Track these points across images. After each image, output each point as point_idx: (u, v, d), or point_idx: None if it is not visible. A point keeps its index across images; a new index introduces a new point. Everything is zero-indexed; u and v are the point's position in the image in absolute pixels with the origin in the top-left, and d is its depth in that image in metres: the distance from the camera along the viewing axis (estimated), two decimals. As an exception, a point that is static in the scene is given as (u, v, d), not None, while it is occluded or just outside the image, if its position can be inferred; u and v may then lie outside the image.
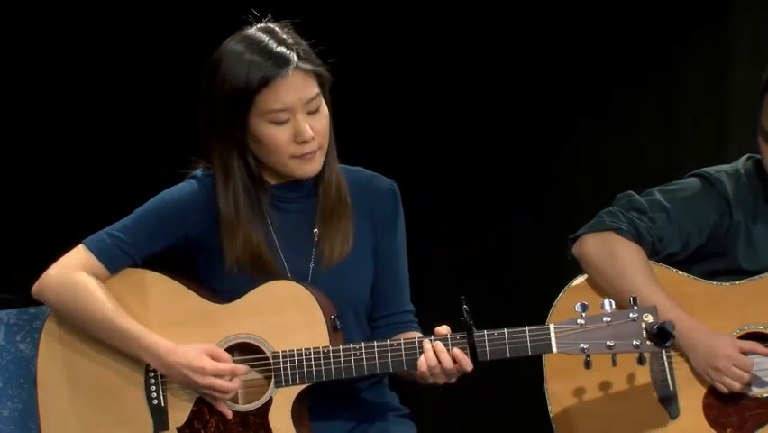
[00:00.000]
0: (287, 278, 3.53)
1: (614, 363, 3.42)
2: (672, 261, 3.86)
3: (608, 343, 3.38)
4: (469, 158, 5.25)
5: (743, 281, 3.78)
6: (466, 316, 3.35)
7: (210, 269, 3.57)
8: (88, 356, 3.56)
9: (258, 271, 3.52)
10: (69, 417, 3.57)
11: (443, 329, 3.41)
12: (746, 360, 3.70)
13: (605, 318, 3.39)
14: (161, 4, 5.07)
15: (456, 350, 3.38)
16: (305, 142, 3.44)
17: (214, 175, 3.54)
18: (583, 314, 3.39)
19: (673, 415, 3.68)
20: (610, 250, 3.80)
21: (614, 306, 3.41)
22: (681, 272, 3.82)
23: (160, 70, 5.12)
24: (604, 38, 5.16)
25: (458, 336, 3.40)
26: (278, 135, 3.44)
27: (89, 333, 3.54)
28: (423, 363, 3.39)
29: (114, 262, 3.55)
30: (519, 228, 5.23)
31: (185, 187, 3.59)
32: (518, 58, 5.19)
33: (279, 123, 3.44)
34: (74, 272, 3.52)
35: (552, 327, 3.40)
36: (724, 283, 3.80)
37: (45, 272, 3.55)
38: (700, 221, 3.85)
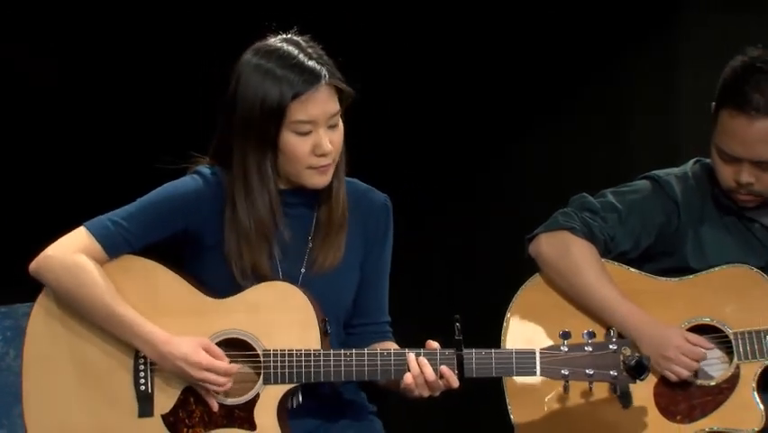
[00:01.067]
0: (278, 279, 3.55)
1: (590, 389, 3.55)
2: (624, 259, 3.90)
3: (587, 371, 3.46)
4: (427, 162, 5.27)
5: (689, 277, 3.86)
6: (457, 333, 3.40)
7: (202, 263, 3.58)
8: (80, 336, 3.56)
9: (249, 272, 3.54)
10: (53, 394, 3.56)
11: (433, 344, 3.46)
12: (696, 349, 3.78)
13: (587, 348, 3.46)
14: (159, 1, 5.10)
15: (444, 367, 3.43)
16: (323, 155, 3.48)
17: (233, 181, 3.54)
18: (566, 342, 3.48)
19: (626, 405, 3.74)
20: (565, 248, 3.85)
21: (595, 336, 3.49)
22: (632, 269, 3.89)
23: (158, 66, 5.11)
24: (560, 45, 5.21)
25: (447, 352, 3.44)
26: (299, 146, 3.47)
27: (85, 315, 3.53)
28: (408, 375, 3.44)
29: (114, 247, 3.53)
30: (478, 229, 5.25)
31: (190, 182, 3.59)
32: (478, 65, 5.23)
33: (302, 133, 3.47)
34: (75, 255, 3.50)
35: (537, 352, 3.47)
36: (672, 279, 3.86)
37: (44, 252, 3.54)
38: (650, 221, 3.90)
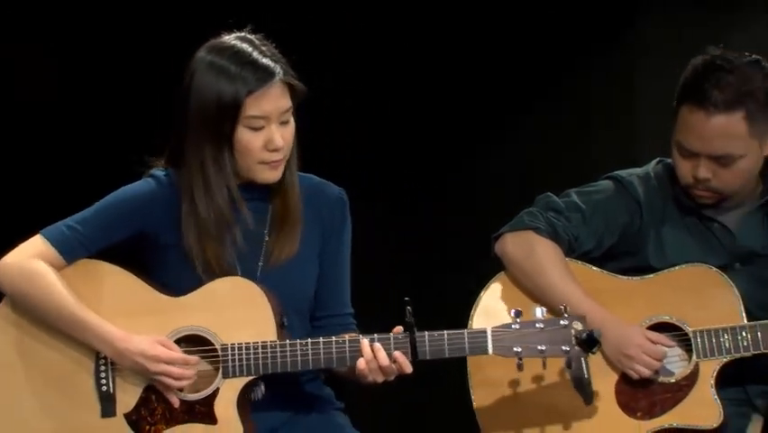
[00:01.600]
0: (236, 275, 3.59)
1: (544, 365, 3.55)
2: (588, 258, 3.94)
3: (539, 347, 3.49)
4: (395, 161, 5.30)
5: (650, 276, 3.89)
6: (409, 316, 3.43)
7: (161, 264, 3.62)
8: (41, 342, 3.59)
9: (211, 267, 3.58)
10: (18, 401, 3.59)
11: (397, 329, 3.49)
12: (656, 348, 3.81)
13: (538, 325, 3.50)
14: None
15: (397, 352, 3.47)
16: (275, 150, 3.53)
17: (189, 176, 3.57)
18: (518, 319, 3.50)
19: (588, 401, 3.74)
20: (529, 248, 3.88)
21: (545, 313, 3.52)
22: (594, 268, 3.92)
23: (112, 69, 5.12)
24: (525, 48, 5.23)
25: (400, 336, 3.48)
26: (252, 141, 3.52)
27: (44, 320, 3.57)
28: (361, 360, 3.48)
29: (70, 252, 3.58)
30: (445, 227, 5.28)
31: (143, 184, 3.64)
32: (447, 66, 5.25)
33: (255, 129, 3.52)
34: (31, 261, 3.55)
35: (489, 330, 3.50)
36: (633, 278, 3.89)
37: (2, 260, 3.58)
38: (613, 221, 3.93)
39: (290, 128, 3.58)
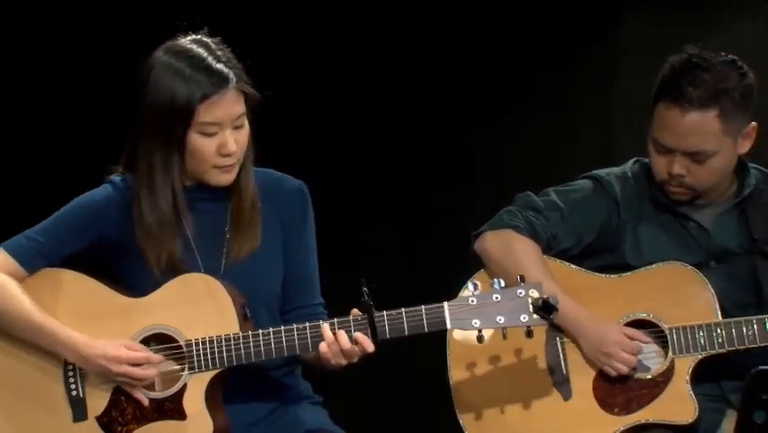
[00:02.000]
0: (193, 272, 3.61)
1: (504, 336, 3.53)
2: (566, 256, 3.98)
3: (497, 319, 3.48)
4: (377, 159, 5.29)
5: (627, 274, 3.93)
6: (366, 296, 3.45)
7: (126, 268, 3.65)
8: (7, 354, 3.63)
9: (174, 268, 3.60)
10: None
11: (354, 312, 3.51)
12: (634, 344, 3.86)
13: (494, 296, 3.49)
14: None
15: (358, 333, 3.48)
16: (228, 155, 3.55)
17: (138, 178, 3.60)
18: (475, 292, 3.49)
19: (566, 397, 3.83)
20: (508, 246, 3.92)
21: (503, 284, 3.51)
22: (572, 266, 3.97)
23: (76, 75, 5.11)
24: (506, 48, 5.23)
25: (359, 317, 3.51)
26: (205, 146, 3.55)
27: (8, 331, 3.61)
28: (323, 344, 3.50)
29: (31, 262, 3.62)
30: (426, 225, 5.27)
31: (100, 191, 3.68)
32: (429, 65, 5.25)
33: (208, 134, 3.54)
34: None
35: (445, 304, 3.50)
36: (611, 276, 3.94)
37: None
38: (591, 220, 3.98)
39: (244, 132, 3.60)
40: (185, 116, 3.52)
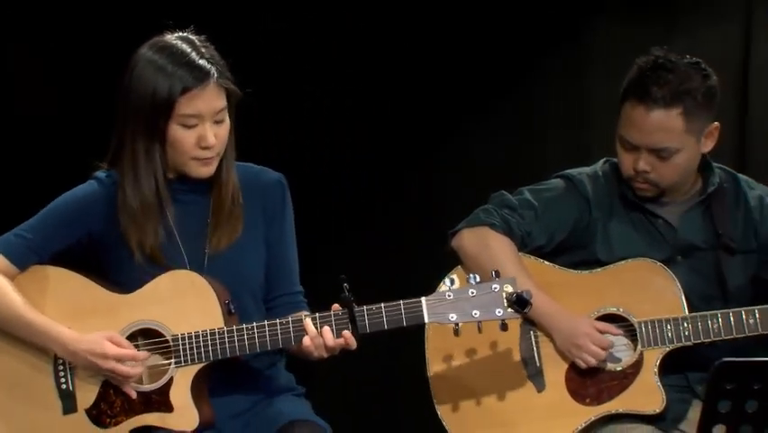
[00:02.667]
0: (184, 264, 3.67)
1: (479, 330, 3.58)
2: (540, 252, 4.04)
3: (473, 313, 3.54)
4: (358, 156, 5.32)
5: (598, 270, 3.99)
6: (346, 292, 3.49)
7: (113, 263, 3.69)
8: (0, 350, 3.67)
9: (158, 259, 3.65)
10: None
11: (334, 307, 3.56)
12: (603, 338, 3.91)
13: (470, 291, 3.54)
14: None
15: (346, 331, 3.54)
16: (207, 147, 3.60)
17: (123, 169, 3.63)
18: (452, 287, 3.56)
19: (540, 388, 3.88)
20: (484, 243, 3.98)
21: (479, 279, 3.56)
22: (546, 262, 4.02)
23: (76, 75, 5.14)
24: (479, 51, 5.28)
25: (340, 312, 3.55)
26: (185, 138, 3.60)
27: (0, 327, 3.64)
28: (306, 338, 3.56)
29: (21, 259, 3.66)
30: (405, 224, 5.32)
31: (86, 187, 3.72)
32: (403, 67, 5.29)
33: (188, 126, 3.59)
34: None
35: (423, 299, 3.55)
36: (583, 272, 4.00)
37: None
38: (564, 217, 4.04)
39: (225, 127, 3.65)
40: (166, 109, 3.57)
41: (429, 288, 3.93)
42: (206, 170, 3.65)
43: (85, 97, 5.13)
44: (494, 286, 3.55)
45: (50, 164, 5.10)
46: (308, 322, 3.57)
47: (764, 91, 5.13)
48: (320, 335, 3.55)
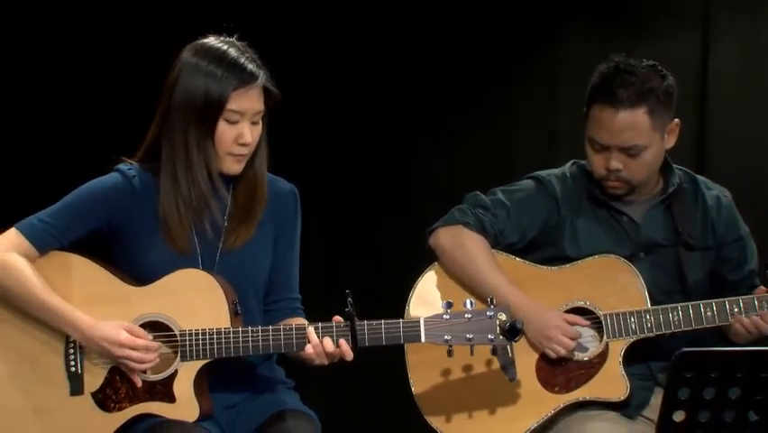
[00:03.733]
0: (197, 259, 3.74)
1: (471, 352, 3.68)
2: (512, 250, 4.13)
3: (467, 336, 3.63)
4: (336, 158, 5.40)
5: (567, 266, 4.08)
6: (350, 307, 3.57)
7: (129, 254, 3.76)
8: (15, 327, 3.72)
9: (172, 252, 3.72)
10: None
11: (337, 318, 3.65)
12: (573, 330, 4.00)
13: (466, 315, 3.63)
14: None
15: (342, 341, 3.62)
16: (243, 144, 3.71)
17: (172, 161, 3.68)
18: (448, 310, 3.63)
19: (512, 378, 3.85)
20: (459, 241, 4.07)
21: (474, 305, 3.64)
22: (518, 259, 4.12)
23: (76, 75, 5.16)
24: (454, 54, 5.36)
25: (342, 324, 3.63)
26: (226, 133, 3.70)
27: (18, 307, 3.70)
28: (309, 346, 3.64)
29: (43, 244, 3.72)
30: (383, 223, 5.41)
31: (109, 178, 3.79)
32: (379, 67, 5.37)
33: (231, 122, 3.69)
34: (6, 254, 3.69)
35: (421, 320, 3.63)
36: (552, 267, 4.09)
37: None
38: (534, 216, 4.13)
39: (258, 129, 3.75)
40: (219, 104, 3.67)
41: (407, 282, 4.13)
42: (238, 167, 3.74)
43: (85, 97, 5.17)
44: (489, 313, 3.64)
45: (50, 162, 5.16)
46: (311, 331, 3.64)
47: (722, 96, 5.27)
48: (321, 344, 3.64)
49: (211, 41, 3.78)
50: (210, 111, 3.69)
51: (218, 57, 3.72)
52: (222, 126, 3.71)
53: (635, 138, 4.01)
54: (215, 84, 3.68)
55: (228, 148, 3.73)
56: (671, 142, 4.11)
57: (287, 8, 5.26)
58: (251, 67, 3.73)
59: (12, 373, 3.73)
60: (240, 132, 3.72)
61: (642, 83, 4.03)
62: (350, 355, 3.63)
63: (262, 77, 3.73)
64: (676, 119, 4.11)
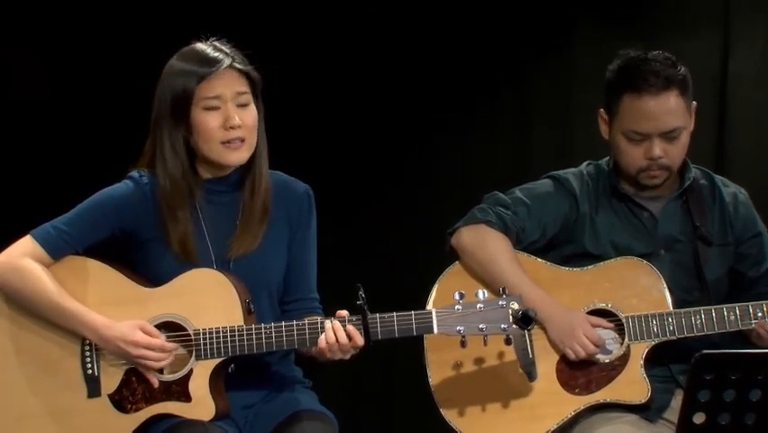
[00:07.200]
0: (211, 262, 3.77)
1: (485, 342, 3.71)
2: (533, 249, 4.14)
3: (480, 326, 3.63)
4: (351, 158, 5.43)
5: (588, 267, 4.08)
6: (362, 300, 3.58)
7: (144, 259, 3.80)
8: (31, 332, 3.77)
9: (188, 256, 3.75)
10: (12, 384, 3.77)
11: (342, 312, 3.68)
12: (596, 334, 4.00)
13: (478, 305, 3.64)
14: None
15: (350, 327, 3.64)
16: (232, 128, 3.69)
17: (157, 161, 3.74)
18: (460, 301, 3.64)
19: (532, 378, 3.93)
20: (482, 240, 4.08)
21: (487, 295, 3.64)
22: (539, 259, 4.12)
23: (76, 75, 5.19)
24: (469, 54, 5.38)
25: (354, 318, 3.65)
26: (209, 120, 3.70)
27: (34, 312, 3.76)
28: (323, 339, 3.65)
29: (56, 250, 3.78)
30: (398, 222, 5.44)
31: (121, 186, 3.84)
32: (397, 68, 5.40)
33: (211, 108, 3.69)
34: (21, 259, 3.75)
35: (433, 311, 3.64)
36: (574, 269, 4.10)
37: None
38: (555, 213, 4.15)
39: (250, 112, 3.73)
40: (185, 98, 3.69)
41: (427, 282, 4.11)
42: (237, 156, 3.73)
43: (84, 97, 5.19)
44: (501, 302, 3.65)
45: (50, 162, 5.19)
46: (327, 324, 3.66)
47: (741, 99, 5.30)
48: (335, 336, 3.65)
49: (187, 47, 3.82)
50: (178, 104, 3.71)
51: (186, 55, 3.77)
52: (202, 115, 3.71)
53: (675, 121, 4.04)
54: (181, 78, 3.71)
55: (218, 136, 3.72)
56: (692, 124, 4.14)
57: (302, 8, 5.28)
58: (214, 54, 3.73)
59: (29, 377, 3.76)
60: (226, 115, 3.70)
61: (665, 68, 4.06)
62: (360, 341, 3.63)
63: (227, 59, 3.71)
64: (694, 101, 4.14)
